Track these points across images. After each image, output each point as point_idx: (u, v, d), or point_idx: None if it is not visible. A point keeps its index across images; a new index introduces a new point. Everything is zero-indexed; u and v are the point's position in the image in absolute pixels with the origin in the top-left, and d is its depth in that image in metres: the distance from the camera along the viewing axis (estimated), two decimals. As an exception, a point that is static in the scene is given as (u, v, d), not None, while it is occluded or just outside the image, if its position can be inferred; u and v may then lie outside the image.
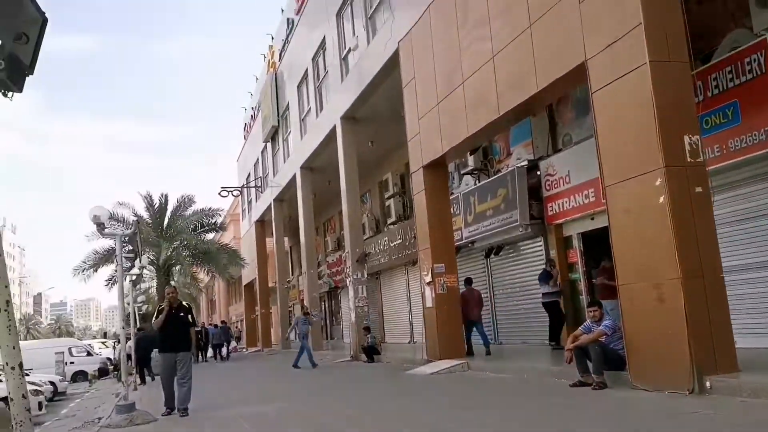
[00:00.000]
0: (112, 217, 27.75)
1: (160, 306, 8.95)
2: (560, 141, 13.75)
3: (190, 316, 8.91)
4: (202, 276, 47.87)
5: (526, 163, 14.38)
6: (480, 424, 6.39)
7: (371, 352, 16.41)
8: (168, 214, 29.52)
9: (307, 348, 16.85)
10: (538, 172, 14.20)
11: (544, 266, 13.46)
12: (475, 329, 13.56)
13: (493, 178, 15.51)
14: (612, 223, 7.68)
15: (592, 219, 12.81)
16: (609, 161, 7.67)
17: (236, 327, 50.92)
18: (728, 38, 9.10)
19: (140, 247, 13.90)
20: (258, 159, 34.50)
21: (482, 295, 16.64)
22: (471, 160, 16.49)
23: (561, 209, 13.45)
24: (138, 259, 16.05)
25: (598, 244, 13.32)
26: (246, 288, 41.03)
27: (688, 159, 6.87)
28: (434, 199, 13.18)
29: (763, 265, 8.65)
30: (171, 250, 28.54)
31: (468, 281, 14.30)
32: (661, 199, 6.81)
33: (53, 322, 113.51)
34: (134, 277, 15.85)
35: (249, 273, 37.61)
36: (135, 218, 28.32)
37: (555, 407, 6.89)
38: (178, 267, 28.94)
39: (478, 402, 7.98)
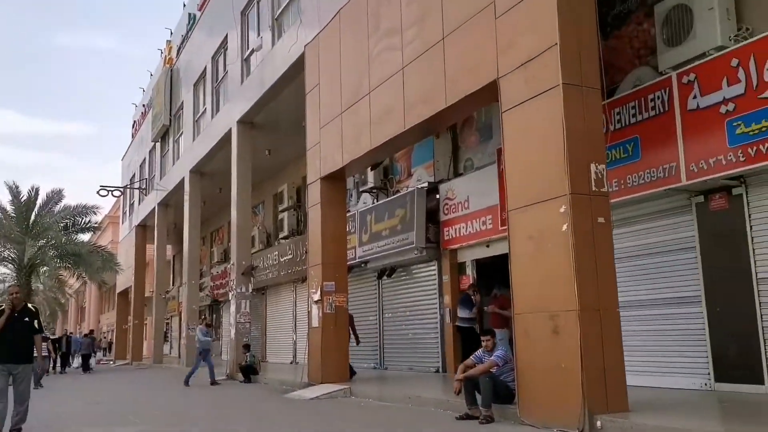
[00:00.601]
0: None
1: (0, 307, 7.52)
2: (462, 165, 13.57)
3: (36, 322, 7.49)
4: (72, 281, 44.28)
5: (426, 184, 14.08)
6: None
7: (249, 371, 15.36)
8: (36, 209, 26.89)
9: (210, 363, 15.35)
10: (438, 196, 13.94)
11: (466, 290, 13.20)
12: None
13: (392, 197, 15.10)
14: (512, 250, 7.35)
15: (488, 246, 12.65)
16: (514, 185, 7.36)
17: (104, 337, 47.47)
18: (632, 75, 9.20)
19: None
20: (145, 159, 32.43)
21: (370, 318, 16.22)
22: (371, 178, 16.05)
23: (457, 234, 13.21)
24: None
25: (491, 272, 13.24)
26: (120, 296, 38.30)
27: (593, 188, 6.66)
28: (330, 214, 12.53)
29: (654, 303, 8.67)
30: (36, 248, 25.92)
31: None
32: (564, 227, 6.55)
33: None
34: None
35: (125, 280, 35.12)
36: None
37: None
38: (44, 268, 26.29)
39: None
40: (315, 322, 12.38)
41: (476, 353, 7.93)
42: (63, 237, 26.34)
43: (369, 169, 15.51)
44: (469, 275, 13.26)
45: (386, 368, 15.54)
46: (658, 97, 8.19)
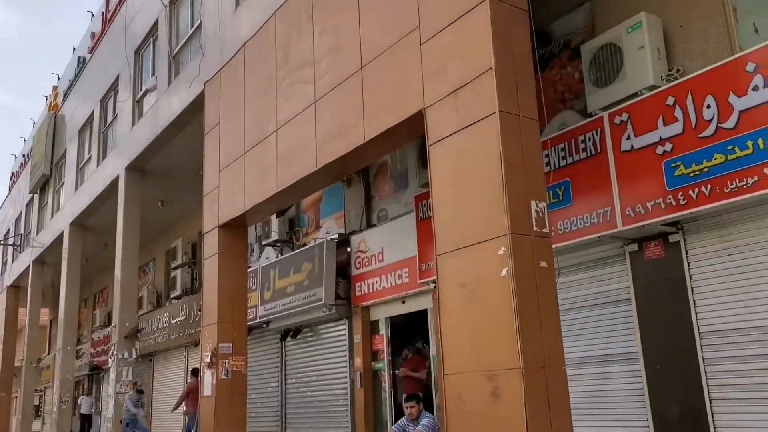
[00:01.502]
0: None
1: None
2: (375, 216, 12.70)
3: None
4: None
5: (336, 236, 13.06)
6: None
7: (130, 450, 13.32)
8: None
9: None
10: (349, 248, 12.93)
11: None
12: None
13: (298, 250, 13.93)
14: (442, 301, 6.40)
15: (404, 302, 11.68)
16: (443, 225, 6.49)
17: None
18: (557, 118, 8.77)
19: None
20: (21, 213, 29.37)
21: (272, 384, 14.72)
22: (275, 229, 14.82)
23: (370, 290, 12.17)
24: None
25: (406, 330, 12.24)
26: (-15, 366, 33.87)
27: (534, 228, 5.89)
28: (228, 265, 11.16)
29: (590, 360, 7.95)
30: None
31: (194, 372, 13.80)
32: (504, 272, 5.69)
33: None
34: None
35: (-8, 348, 31.13)
36: None
37: None
38: None
39: None
40: (207, 390, 10.79)
41: (399, 423, 6.84)
42: None
43: (274, 216, 14.33)
44: (383, 334, 12.18)
45: (289, 441, 13.96)
46: (589, 138, 7.70)
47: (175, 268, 19.63)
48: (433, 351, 10.86)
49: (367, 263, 12.39)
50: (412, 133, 7.55)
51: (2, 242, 29.69)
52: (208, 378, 10.82)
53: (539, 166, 6.21)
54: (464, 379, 5.99)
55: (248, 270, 13.10)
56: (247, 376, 11.08)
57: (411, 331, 12.14)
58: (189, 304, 17.93)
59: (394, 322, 12.18)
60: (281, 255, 14.76)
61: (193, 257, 19.54)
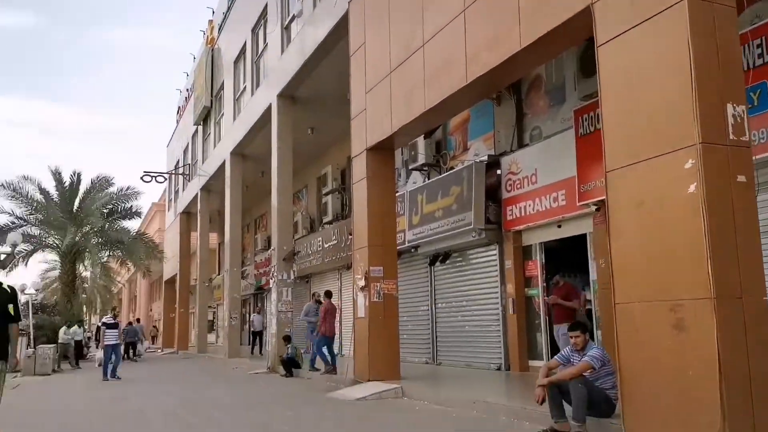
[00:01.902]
0: (14, 189, 24.56)
1: None
2: (528, 135, 11.90)
3: (11, 307, 5.76)
4: (122, 270, 44.12)
5: (485, 158, 12.48)
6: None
7: (290, 364, 14.09)
8: (80, 194, 26.28)
9: (318, 346, 13.33)
10: (499, 171, 12.31)
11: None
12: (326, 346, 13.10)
13: (446, 174, 13.54)
14: (613, 223, 5.71)
15: (559, 227, 10.99)
16: (615, 137, 5.72)
17: (154, 325, 47.35)
18: (747, 12, 7.38)
19: None
20: (188, 144, 31.63)
21: (422, 308, 14.77)
22: (422, 153, 14.50)
23: (522, 214, 11.57)
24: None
25: (561, 256, 11.57)
26: (167, 284, 37.88)
27: (731, 136, 4.99)
28: (377, 190, 11.06)
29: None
30: (79, 235, 25.32)
31: (327, 294, 13.90)
32: (692, 188, 4.90)
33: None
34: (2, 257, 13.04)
35: (171, 269, 34.61)
36: (39, 193, 25.15)
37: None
38: (87, 255, 25.67)
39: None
40: (361, 312, 10.97)
41: (562, 353, 6.35)
42: (106, 223, 25.61)
43: (421, 139, 13.99)
44: (537, 260, 11.61)
45: (440, 364, 14.04)
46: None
47: (326, 194, 20.14)
48: (593, 276, 10.16)
49: (518, 186, 11.74)
50: (573, 36, 6.70)
51: (174, 172, 32.26)
52: (361, 300, 10.98)
53: (737, 63, 5.20)
54: (640, 309, 5.36)
55: (396, 195, 12.98)
56: (398, 299, 11.10)
57: (567, 257, 11.45)
58: (340, 229, 18.39)
59: (549, 248, 11.54)
60: (428, 179, 14.47)
61: (342, 183, 19.90)
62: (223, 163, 22.87)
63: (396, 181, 13.71)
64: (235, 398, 10.29)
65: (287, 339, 14.66)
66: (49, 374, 17.29)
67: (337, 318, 14.32)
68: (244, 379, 13.50)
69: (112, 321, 15.81)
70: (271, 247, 17.20)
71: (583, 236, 10.49)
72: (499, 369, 11.95)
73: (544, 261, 11.50)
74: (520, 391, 9.18)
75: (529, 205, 11.39)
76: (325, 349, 13.08)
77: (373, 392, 9.49)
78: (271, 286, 16.85)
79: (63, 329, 21.09)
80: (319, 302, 14.18)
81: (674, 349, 5.01)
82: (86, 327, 21.77)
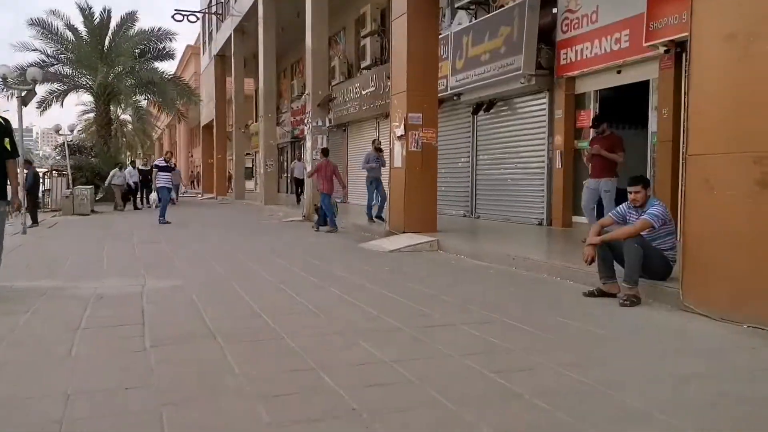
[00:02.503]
0: (43, 26, 23.81)
1: None
2: (592, -34, 10.46)
3: (7, 141, 5.29)
4: (161, 114, 44.07)
5: (541, -8, 11.15)
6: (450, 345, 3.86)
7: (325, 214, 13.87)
8: (110, 32, 25.41)
9: (382, 195, 12.75)
10: (555, 9, 11.04)
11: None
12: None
13: (495, 12, 12.26)
14: (695, 59, 4.81)
15: (619, 72, 9.93)
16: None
17: (191, 173, 48.15)
18: None
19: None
20: (222, -19, 29.85)
21: (462, 160, 14.14)
22: (469, -11, 13.09)
23: (578, 58, 10.47)
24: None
25: (617, 106, 10.61)
26: (204, 130, 37.81)
27: None
28: (418, 27, 10.01)
29: None
30: (112, 76, 24.82)
31: (324, 152, 13.26)
32: (806, 16, 3.93)
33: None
34: (24, 93, 12.59)
35: (208, 114, 34.28)
36: (68, 30, 24.38)
37: (569, 329, 4.41)
38: (121, 97, 25.34)
39: (451, 294, 5.50)
40: (397, 162, 10.41)
41: (618, 209, 5.73)
42: (138, 64, 24.93)
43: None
44: (590, 110, 10.67)
45: (478, 217, 13.67)
46: None
47: (365, 37, 18.91)
48: (652, 128, 9.27)
49: (576, 25, 10.52)
50: None
51: (206, 11, 30.79)
52: (398, 149, 10.38)
53: None
54: (716, 162, 4.62)
55: (439, 35, 11.86)
56: (437, 149, 10.46)
57: (624, 107, 10.48)
58: (378, 75, 17.41)
59: (604, 96, 10.55)
60: (475, 19, 13.19)
61: (382, 25, 18.57)
62: (256, 1, 21.49)
63: (439, 21, 12.54)
64: (275, 239, 10.15)
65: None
66: (87, 214, 17.59)
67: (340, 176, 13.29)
68: (277, 227, 13.40)
69: (164, 164, 15.50)
70: (305, 92, 16.41)
71: (645, 84, 9.47)
72: (540, 224, 11.49)
73: (598, 111, 10.56)
74: (563, 247, 8.75)
75: (587, 48, 10.26)
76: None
77: (407, 244, 9.17)
78: (305, 133, 16.31)
79: (114, 171, 21.18)
80: (380, 150, 13.30)
81: (756, 207, 4.33)
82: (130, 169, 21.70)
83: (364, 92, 18.58)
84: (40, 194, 17.06)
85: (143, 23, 24.94)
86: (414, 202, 10.12)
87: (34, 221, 14.22)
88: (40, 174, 19.07)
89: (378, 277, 6.77)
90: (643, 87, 9.53)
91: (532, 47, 11.00)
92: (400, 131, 10.20)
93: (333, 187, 12.37)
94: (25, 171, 13.89)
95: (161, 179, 15.01)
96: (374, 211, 12.97)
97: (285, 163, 31.00)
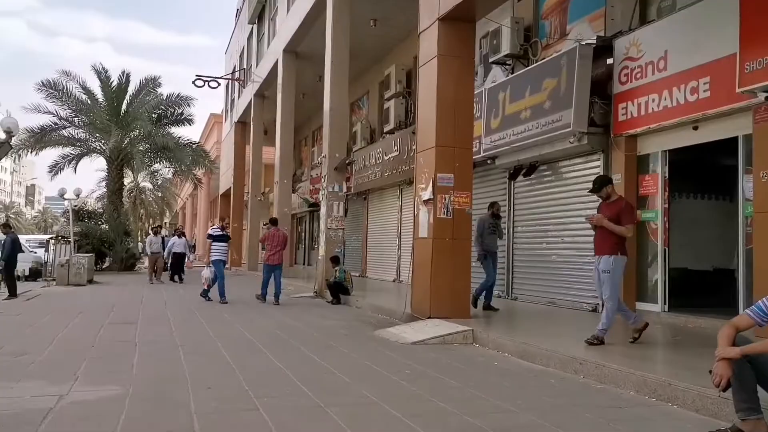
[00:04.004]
0: (55, 88, 23.03)
1: None
2: (655, 8, 8.95)
3: None
4: (185, 185, 43.26)
5: (594, 40, 9.60)
6: None
7: (338, 289, 12.06)
8: (127, 97, 24.60)
9: (491, 277, 9.44)
10: (610, 60, 9.43)
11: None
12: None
13: (538, 63, 10.74)
14: None
15: (695, 129, 8.15)
16: None
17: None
18: None
19: None
20: (244, 48, 29.37)
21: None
22: (506, 39, 11.64)
23: (641, 112, 8.76)
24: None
25: (692, 170, 8.82)
26: (223, 198, 36.69)
27: None
28: (451, 71, 8.45)
29: None
30: (126, 140, 23.81)
31: (272, 221, 12.88)
32: None
33: (38, 214, 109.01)
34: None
35: (227, 182, 33.20)
36: (83, 93, 23.58)
37: None
38: (134, 162, 24.26)
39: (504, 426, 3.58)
40: (423, 231, 8.62)
41: (760, 304, 3.79)
42: (153, 129, 23.93)
43: (507, 24, 11.15)
44: (657, 173, 8.85)
45: (515, 298, 11.71)
46: None
47: (389, 99, 17.55)
48: (747, 195, 7.40)
49: (638, 75, 8.87)
50: None
51: (228, 77, 30.16)
52: (423, 216, 8.61)
53: None
54: None
55: (474, 83, 10.31)
56: (471, 216, 8.68)
57: (699, 171, 8.70)
58: (402, 139, 15.94)
59: (676, 158, 8.75)
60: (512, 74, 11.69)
61: (407, 87, 17.26)
62: (276, 64, 20.52)
63: (474, 71, 11.04)
64: (273, 323, 8.27)
65: (335, 260, 12.59)
66: (83, 285, 15.96)
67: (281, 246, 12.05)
68: (284, 304, 11.56)
69: (219, 233, 12.63)
70: (321, 154, 14.91)
71: (732, 141, 7.67)
72: (594, 310, 9.48)
73: (667, 175, 8.74)
74: (643, 349, 6.77)
75: (653, 101, 8.55)
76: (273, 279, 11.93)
77: (435, 335, 7.25)
78: (320, 199, 14.71)
79: (150, 237, 19.11)
80: (498, 216, 10.00)
81: None
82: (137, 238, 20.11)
83: (386, 157, 17.09)
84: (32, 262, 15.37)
85: (164, 90, 23.91)
86: (443, 281, 8.26)
87: (11, 293, 12.60)
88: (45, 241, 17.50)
89: (395, 388, 4.84)
90: (728, 145, 7.74)
91: (583, 100, 9.35)
92: (426, 194, 8.46)
93: (282, 258, 12.04)
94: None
95: (217, 251, 12.36)
96: (475, 294, 9.46)
97: (303, 234, 29.46)
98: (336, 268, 12.38)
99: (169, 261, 18.82)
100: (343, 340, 7.38)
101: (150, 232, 21.72)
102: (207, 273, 12.21)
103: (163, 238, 20.11)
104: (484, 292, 9.49)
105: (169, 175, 34.15)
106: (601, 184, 6.65)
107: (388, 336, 7.64)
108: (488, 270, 9.47)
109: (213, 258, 12.29)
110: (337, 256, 12.81)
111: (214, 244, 12.45)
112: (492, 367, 5.91)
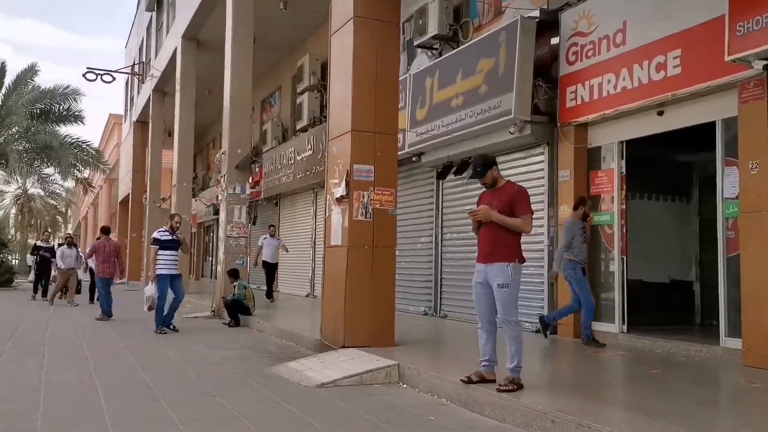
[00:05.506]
0: None
1: None
2: (610, -28, 7.62)
3: None
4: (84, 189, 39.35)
5: (537, 13, 8.21)
6: None
7: (236, 309, 10.09)
8: (3, 90, 21.53)
9: (589, 297, 7.14)
10: (556, 38, 8.07)
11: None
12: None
13: (472, 41, 9.28)
14: None
15: (661, 114, 6.85)
16: None
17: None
18: None
19: None
20: (143, 39, 26.74)
21: (422, 239, 10.82)
22: (433, 19, 10.13)
23: (594, 96, 7.41)
24: None
25: (654, 164, 7.54)
26: (122, 205, 33.53)
27: None
28: (371, 38, 6.77)
29: None
30: (1, 138, 20.78)
31: (104, 230, 12.03)
32: None
33: None
34: None
35: (126, 188, 30.22)
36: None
37: None
38: (10, 163, 21.16)
39: None
40: (336, 238, 6.86)
41: None
42: (32, 125, 20.97)
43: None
44: (613, 169, 7.51)
45: (444, 316, 10.18)
46: None
47: (301, 93, 15.75)
48: (729, 193, 6.10)
49: (590, 53, 7.52)
50: None
51: (122, 71, 27.26)
52: (336, 218, 6.87)
53: None
54: None
55: (399, 50, 8.68)
56: (395, 219, 7.01)
57: (670, 166, 7.43)
58: (317, 136, 14.18)
59: (637, 150, 7.44)
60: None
61: (322, 80, 15.51)
62: (175, 53, 18.26)
63: (400, 40, 9.42)
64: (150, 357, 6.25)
65: (233, 274, 10.59)
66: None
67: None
68: (174, 325, 9.45)
69: (168, 237, 9.21)
70: (220, 151, 12.90)
71: (707, 127, 6.39)
72: (538, 331, 7.98)
73: (624, 170, 7.41)
74: (622, 391, 5.26)
75: (608, 82, 7.21)
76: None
77: (348, 374, 5.49)
78: (219, 202, 12.69)
79: (63, 249, 14.69)
80: (587, 216, 7.45)
81: None
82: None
83: (299, 157, 15.27)
84: None
85: (36, 64, 20.44)
86: (360, 300, 6.53)
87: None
88: None
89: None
90: (703, 133, 6.45)
91: (527, 82, 7.92)
92: (340, 191, 6.72)
93: (114, 269, 11.26)
94: None
95: (165, 262, 9.11)
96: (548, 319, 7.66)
97: (211, 244, 27.04)
98: (235, 284, 10.39)
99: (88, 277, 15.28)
100: (227, 384, 5.48)
101: (55, 242, 18.40)
102: (151, 290, 9.01)
103: (52, 248, 17.23)
104: (585, 321, 7.15)
105: (70, 183, 30.70)
106: (484, 166, 4.81)
107: (288, 374, 5.82)
108: (583, 288, 7.10)
109: (159, 271, 9.09)
110: (236, 269, 10.82)
111: (161, 252, 9.14)
112: (426, 425, 4.22)
